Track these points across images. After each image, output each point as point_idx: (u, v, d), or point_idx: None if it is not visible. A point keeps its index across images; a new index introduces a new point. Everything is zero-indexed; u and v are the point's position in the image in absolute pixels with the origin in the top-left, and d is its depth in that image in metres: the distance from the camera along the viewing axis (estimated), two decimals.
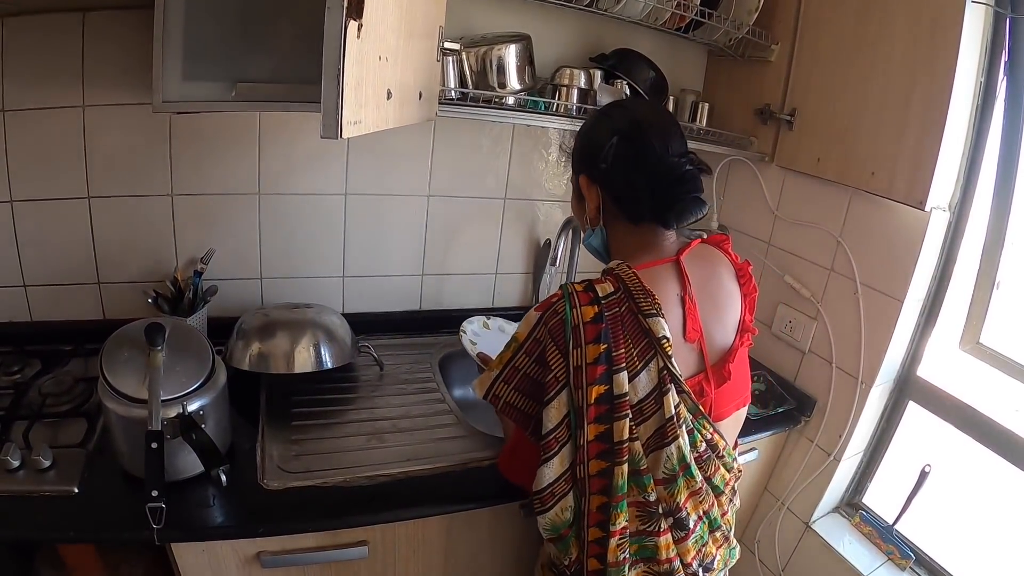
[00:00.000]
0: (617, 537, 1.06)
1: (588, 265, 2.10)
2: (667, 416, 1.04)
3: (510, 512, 1.36)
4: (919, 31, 1.51)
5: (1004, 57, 1.55)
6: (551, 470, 1.06)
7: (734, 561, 1.22)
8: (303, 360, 1.46)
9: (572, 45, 1.86)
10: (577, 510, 1.09)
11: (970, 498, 1.94)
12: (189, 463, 1.12)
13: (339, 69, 0.84)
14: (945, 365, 1.82)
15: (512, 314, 2.02)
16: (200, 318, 1.53)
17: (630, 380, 1.03)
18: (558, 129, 1.91)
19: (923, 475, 1.77)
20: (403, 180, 1.77)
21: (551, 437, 1.05)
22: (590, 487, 1.06)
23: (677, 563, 1.10)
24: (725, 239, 1.27)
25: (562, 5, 1.62)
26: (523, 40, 1.64)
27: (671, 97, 1.92)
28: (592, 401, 1.03)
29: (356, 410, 1.49)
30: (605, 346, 1.03)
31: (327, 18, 0.84)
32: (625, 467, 1.05)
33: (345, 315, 1.68)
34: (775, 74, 1.89)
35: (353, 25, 0.85)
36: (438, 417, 1.51)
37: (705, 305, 1.14)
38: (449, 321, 1.91)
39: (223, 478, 1.04)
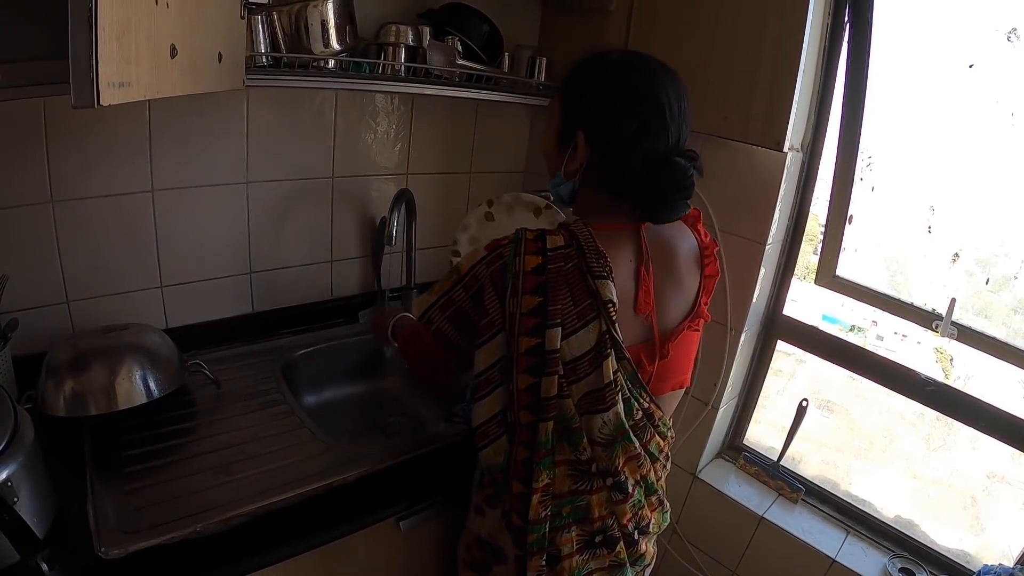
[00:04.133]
0: (539, 494, 1.15)
1: (432, 240, 2.18)
2: (605, 381, 1.11)
3: (388, 528, 1.40)
4: None
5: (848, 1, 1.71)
6: (483, 409, 1.20)
7: (666, 524, 1.35)
8: (126, 393, 1.38)
9: (397, 1, 1.83)
10: (508, 456, 1.20)
11: (845, 422, 2.21)
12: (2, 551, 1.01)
13: (91, 8, 0.68)
14: (800, 310, 2.06)
15: (352, 303, 2.07)
16: (3, 360, 1.40)
17: (564, 337, 1.11)
18: (387, 94, 1.90)
19: (801, 409, 1.99)
20: (216, 167, 1.69)
21: (482, 378, 1.18)
22: (519, 436, 1.16)
23: (611, 522, 1.21)
24: (698, 215, 1.34)
25: None
26: None
27: (506, 53, 1.95)
28: (522, 351, 1.12)
29: (197, 441, 1.44)
30: (541, 299, 1.10)
31: None
32: (551, 424, 1.13)
33: (170, 330, 1.63)
34: (616, 24, 1.96)
35: None
36: (290, 435, 1.50)
37: (662, 280, 1.21)
38: (288, 320, 1.92)
39: (44, 567, 0.96)
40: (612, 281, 1.10)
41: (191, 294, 1.76)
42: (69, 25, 0.69)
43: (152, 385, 1.43)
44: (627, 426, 1.15)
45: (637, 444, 1.17)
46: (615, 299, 1.10)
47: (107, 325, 1.53)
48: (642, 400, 1.18)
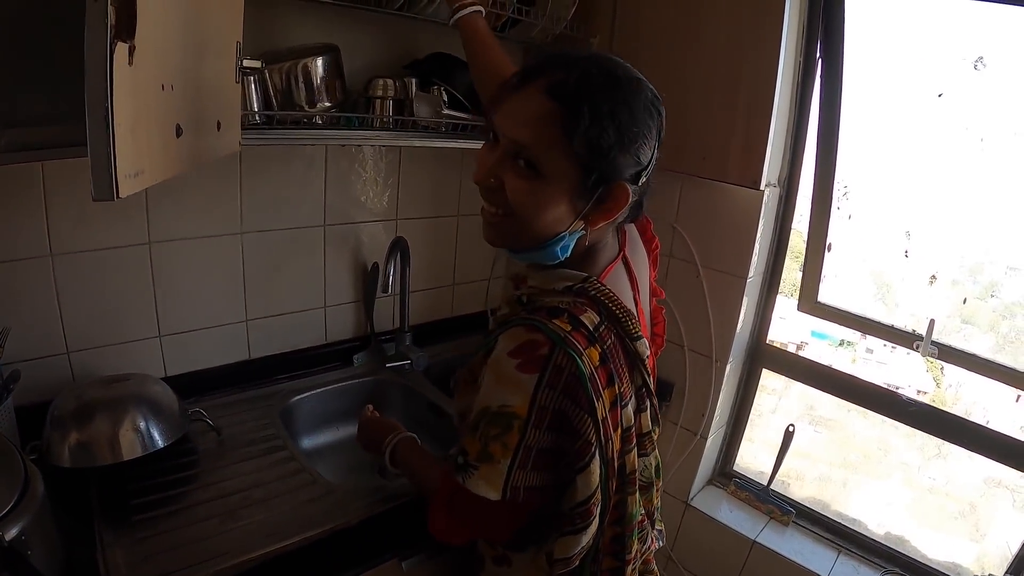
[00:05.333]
0: (631, 564, 1.15)
1: (422, 282, 2.25)
2: (645, 431, 1.13)
3: (392, 569, 1.44)
4: (741, 15, 1.72)
5: (820, 37, 1.82)
6: (587, 537, 1.05)
7: (659, 544, 1.33)
8: (130, 444, 1.43)
9: (384, 53, 1.91)
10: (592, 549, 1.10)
11: (840, 436, 2.30)
12: None
13: (108, 108, 0.71)
14: (789, 328, 2.15)
15: (346, 347, 2.12)
16: (6, 411, 1.44)
17: (628, 408, 1.08)
18: (375, 146, 1.98)
19: (788, 434, 2.07)
20: (211, 219, 1.75)
21: (589, 504, 1.02)
22: (608, 517, 1.09)
23: (643, 553, 1.23)
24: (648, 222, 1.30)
25: (371, 10, 1.66)
26: (331, 52, 1.66)
27: None
28: (618, 445, 1.06)
29: (202, 488, 1.48)
30: (613, 388, 1.03)
31: (87, 40, 0.70)
32: (637, 494, 1.11)
33: (169, 378, 1.69)
34: None
35: (122, 48, 0.73)
36: (292, 479, 1.55)
37: (642, 290, 1.22)
38: (285, 365, 1.97)
39: None
40: (644, 336, 1.09)
41: (189, 343, 1.80)
42: (87, 126, 0.72)
43: (155, 435, 1.47)
44: (660, 463, 1.18)
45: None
46: (648, 351, 1.10)
47: (109, 375, 1.58)
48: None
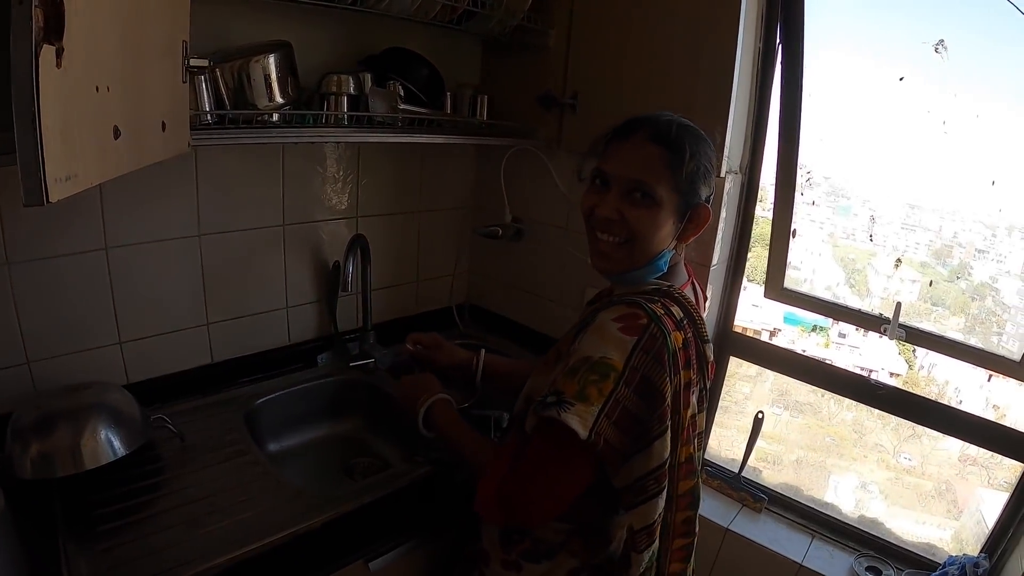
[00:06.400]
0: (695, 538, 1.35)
1: (386, 280, 2.28)
2: (699, 431, 1.33)
3: (358, 570, 1.47)
4: (698, 3, 1.76)
5: (779, 23, 1.85)
6: (662, 501, 1.21)
7: None
8: (92, 452, 1.43)
9: (338, 49, 1.92)
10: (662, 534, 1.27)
11: (815, 421, 2.34)
12: None
13: (35, 112, 0.71)
14: (761, 315, 2.18)
15: (310, 347, 2.13)
16: None
17: (694, 397, 1.27)
18: (333, 143, 1.99)
19: (757, 421, 2.11)
20: (169, 222, 1.75)
21: (663, 469, 1.19)
22: (678, 505, 1.28)
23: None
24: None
25: (324, 5, 1.66)
26: (283, 48, 1.66)
27: (448, 93, 2.02)
28: (686, 424, 1.24)
29: (166, 496, 1.49)
30: (691, 372, 1.24)
31: (12, 44, 0.70)
32: (699, 479, 1.32)
33: (131, 385, 1.69)
34: (554, 59, 2.08)
35: (48, 51, 0.73)
36: (257, 483, 1.55)
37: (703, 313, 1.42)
38: (248, 368, 1.98)
39: None
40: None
41: (150, 348, 1.80)
42: (15, 130, 0.72)
43: (117, 443, 1.47)
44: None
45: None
46: (712, 357, 1.33)
47: (69, 384, 1.58)
48: None
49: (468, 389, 1.75)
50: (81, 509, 1.42)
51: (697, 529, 1.35)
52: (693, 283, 1.42)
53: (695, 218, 1.28)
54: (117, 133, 0.96)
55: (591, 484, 1.21)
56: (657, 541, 1.25)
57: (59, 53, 0.74)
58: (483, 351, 1.77)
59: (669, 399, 1.17)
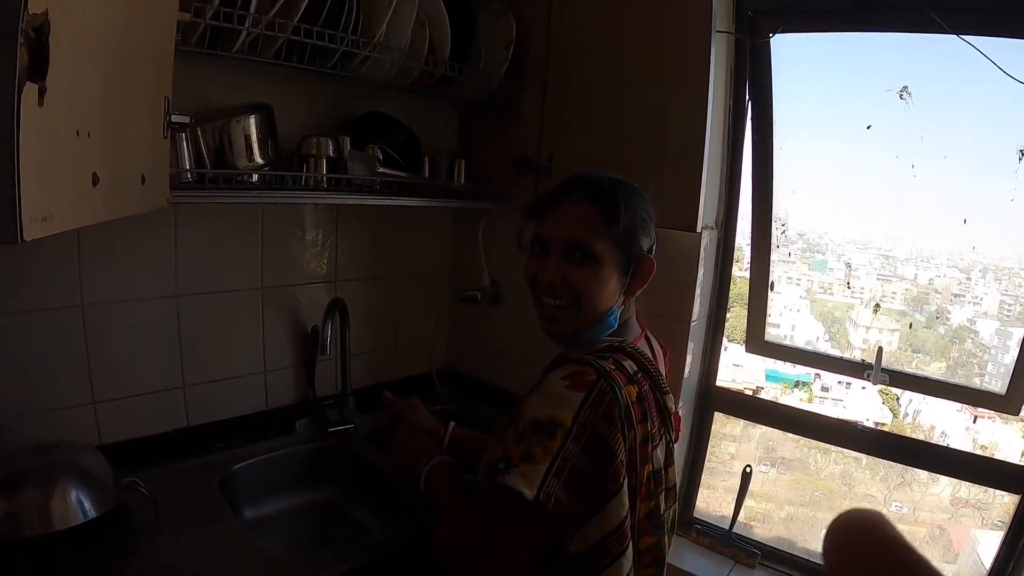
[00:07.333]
0: None
1: (365, 344, 2.28)
2: (671, 484, 1.35)
3: None
4: (667, 62, 1.82)
5: (747, 79, 1.93)
6: (628, 561, 1.20)
7: None
8: (61, 514, 1.39)
9: (317, 112, 1.97)
10: None
11: (803, 475, 2.33)
12: None
13: (14, 147, 0.72)
14: (742, 374, 2.20)
15: (288, 412, 2.11)
16: None
17: (657, 451, 1.27)
18: (312, 205, 2.02)
19: (746, 475, 2.10)
20: (146, 281, 1.76)
21: (623, 528, 1.18)
22: (640, 562, 1.26)
23: None
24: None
25: (303, 68, 1.70)
26: (264, 110, 1.71)
27: (426, 157, 2.06)
28: (644, 480, 1.23)
29: (138, 561, 1.45)
30: (646, 426, 1.23)
31: None
32: (666, 536, 1.32)
33: (105, 447, 1.66)
34: (529, 123, 2.14)
35: (31, 89, 0.74)
36: (231, 552, 1.51)
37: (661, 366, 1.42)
38: (224, 433, 1.96)
39: None
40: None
41: (124, 410, 1.78)
42: None
43: (88, 505, 1.43)
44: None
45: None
46: (675, 407, 1.33)
47: (39, 444, 1.56)
48: None
49: None
50: (50, 572, 1.38)
51: None
52: (647, 336, 1.46)
53: (640, 270, 1.34)
54: (96, 180, 0.97)
55: (543, 556, 1.19)
56: None
57: (42, 92, 0.76)
58: (452, 424, 1.78)
59: (623, 456, 1.16)
